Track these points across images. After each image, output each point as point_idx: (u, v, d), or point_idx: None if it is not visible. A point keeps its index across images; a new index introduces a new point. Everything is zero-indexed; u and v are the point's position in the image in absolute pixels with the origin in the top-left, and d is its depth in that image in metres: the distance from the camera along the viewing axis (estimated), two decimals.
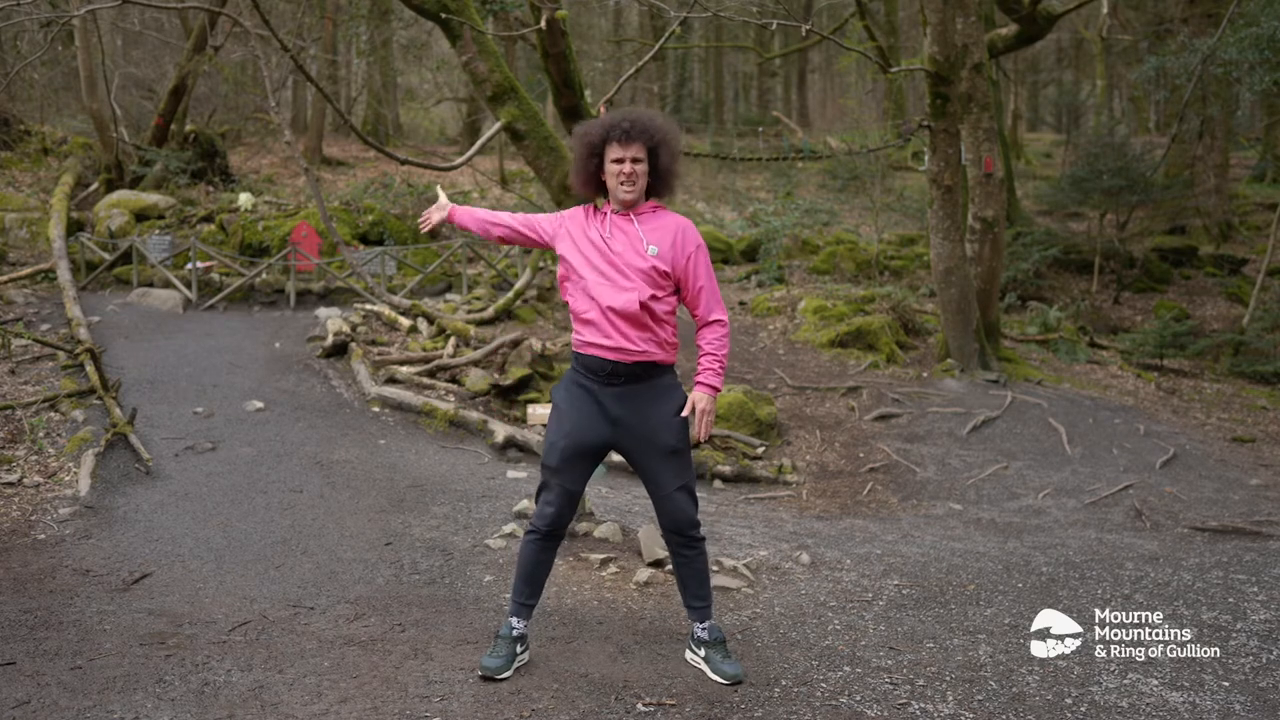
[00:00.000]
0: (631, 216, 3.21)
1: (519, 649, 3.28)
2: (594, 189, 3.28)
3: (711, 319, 3.24)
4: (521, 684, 3.17)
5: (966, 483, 7.09)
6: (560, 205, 8.69)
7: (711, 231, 18.20)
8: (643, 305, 3.11)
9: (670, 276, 3.17)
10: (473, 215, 3.48)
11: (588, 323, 3.17)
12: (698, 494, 3.36)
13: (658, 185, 3.25)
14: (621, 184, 3.16)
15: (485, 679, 3.18)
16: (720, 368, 3.21)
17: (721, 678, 3.21)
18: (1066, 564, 4.72)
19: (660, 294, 3.16)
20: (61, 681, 3.16)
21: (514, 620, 3.29)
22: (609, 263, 3.15)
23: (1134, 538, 5.58)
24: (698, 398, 3.20)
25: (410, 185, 18.45)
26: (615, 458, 5.49)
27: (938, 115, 9.63)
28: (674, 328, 3.25)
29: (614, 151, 3.16)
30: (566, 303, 3.29)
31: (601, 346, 3.15)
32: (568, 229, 3.28)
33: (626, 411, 3.18)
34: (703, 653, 3.31)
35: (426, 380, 8.51)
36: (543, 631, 3.66)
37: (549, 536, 3.26)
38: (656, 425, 3.19)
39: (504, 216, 3.45)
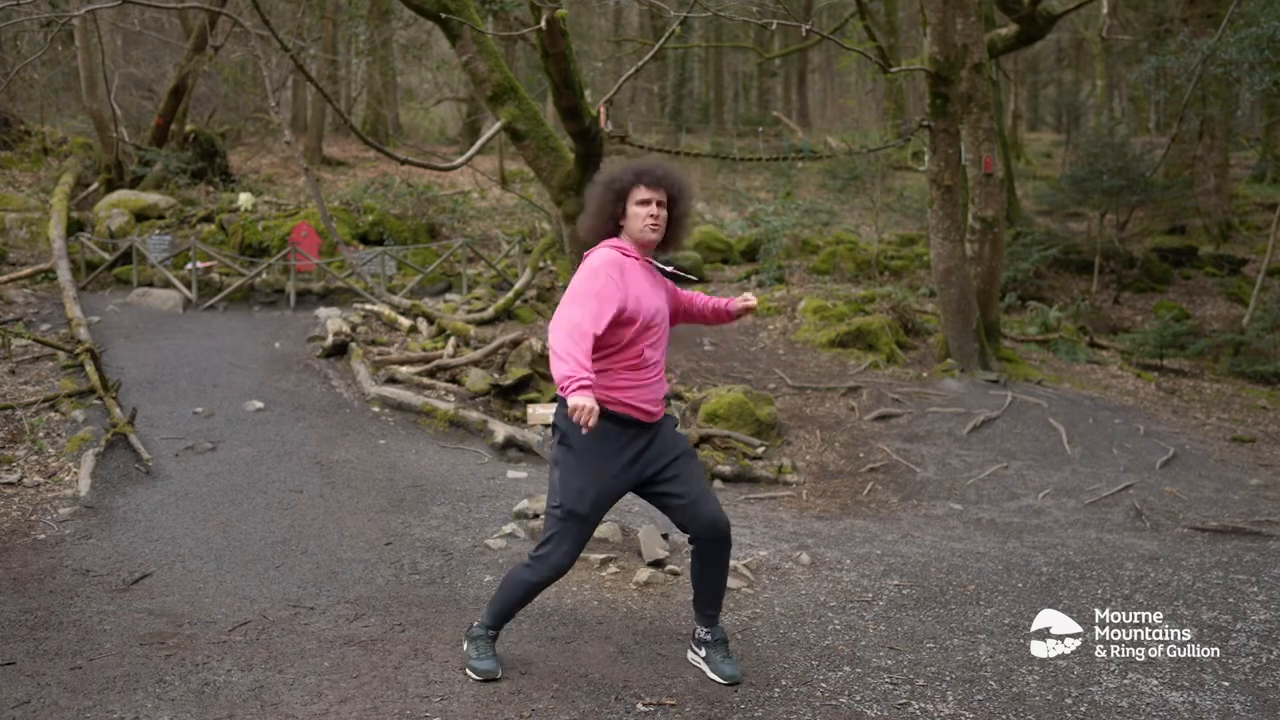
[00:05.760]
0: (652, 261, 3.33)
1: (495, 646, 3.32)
2: (606, 232, 3.22)
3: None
4: (521, 684, 3.16)
5: (966, 483, 7.09)
6: (560, 205, 8.69)
7: (712, 231, 18.20)
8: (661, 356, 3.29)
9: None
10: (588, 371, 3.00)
11: (647, 382, 3.14)
12: None
13: (672, 237, 3.28)
14: (649, 224, 3.16)
15: (487, 681, 3.17)
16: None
17: (720, 677, 3.21)
18: (1066, 564, 4.72)
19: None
20: (61, 681, 3.16)
21: (488, 625, 3.29)
22: (662, 314, 3.24)
23: (1134, 538, 5.58)
24: (742, 303, 3.49)
25: (410, 185, 18.45)
26: None
27: (938, 115, 9.63)
28: None
29: (641, 193, 3.17)
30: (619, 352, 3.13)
31: (646, 411, 3.15)
32: (625, 268, 3.13)
33: (647, 438, 3.19)
34: (704, 652, 3.31)
35: (426, 380, 8.51)
36: (543, 631, 3.66)
37: (554, 581, 3.23)
38: (671, 433, 3.25)
39: (588, 340, 2.98)
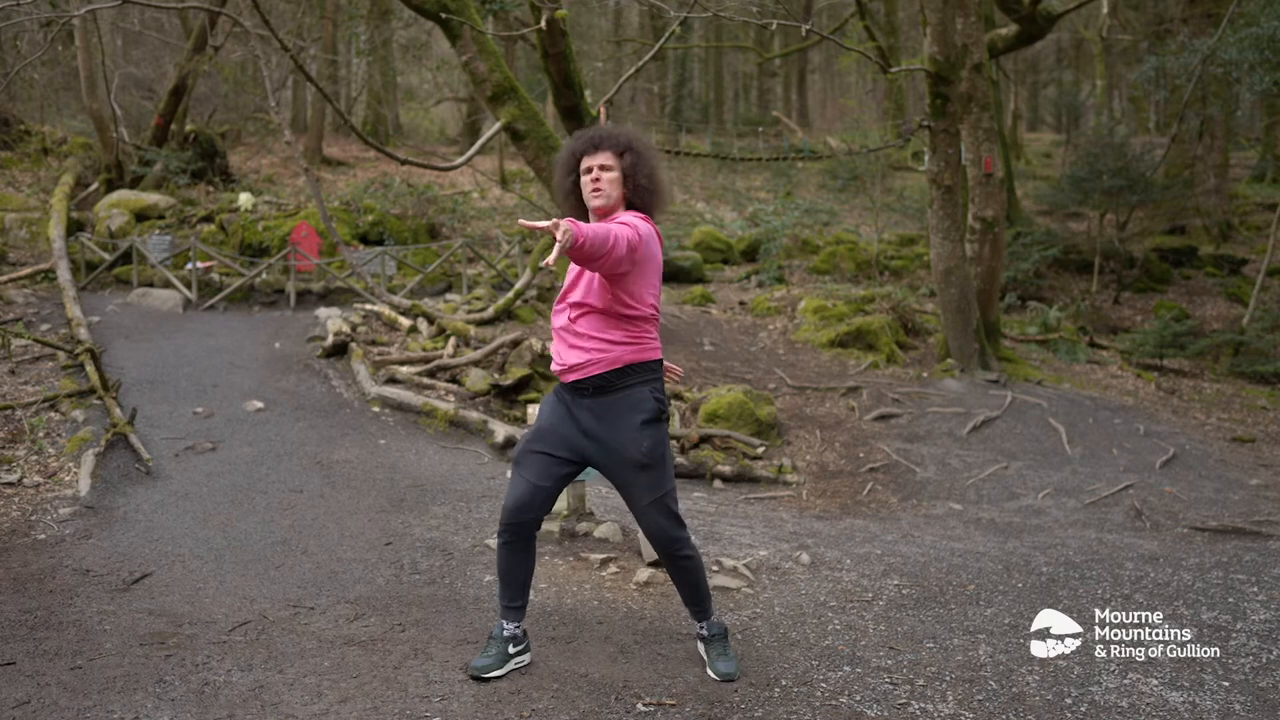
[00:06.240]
0: None
1: (511, 649, 3.24)
2: (571, 204, 3.28)
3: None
4: (521, 684, 3.16)
5: (966, 483, 7.09)
6: (560, 205, 8.68)
7: (711, 231, 18.21)
8: (571, 319, 3.10)
9: (598, 287, 3.04)
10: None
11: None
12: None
13: (634, 197, 3.18)
14: (592, 191, 3.15)
15: (474, 679, 3.15)
16: (591, 230, 2.76)
17: (714, 674, 3.22)
18: (1066, 564, 4.72)
19: (590, 298, 3.05)
20: (61, 681, 3.16)
21: (504, 623, 3.28)
22: (567, 282, 3.19)
23: (1134, 538, 5.58)
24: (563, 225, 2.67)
25: (410, 185, 18.45)
26: None
27: (938, 115, 9.63)
28: (618, 323, 3.07)
29: (583, 164, 3.19)
30: None
31: (559, 369, 3.18)
32: None
33: (595, 423, 3.13)
34: (703, 648, 3.33)
35: (426, 380, 8.51)
36: (543, 631, 3.66)
37: (513, 532, 3.18)
38: (623, 438, 3.10)
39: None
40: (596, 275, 3.04)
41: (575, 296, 3.12)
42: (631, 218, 3.10)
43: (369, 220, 16.31)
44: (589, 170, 3.17)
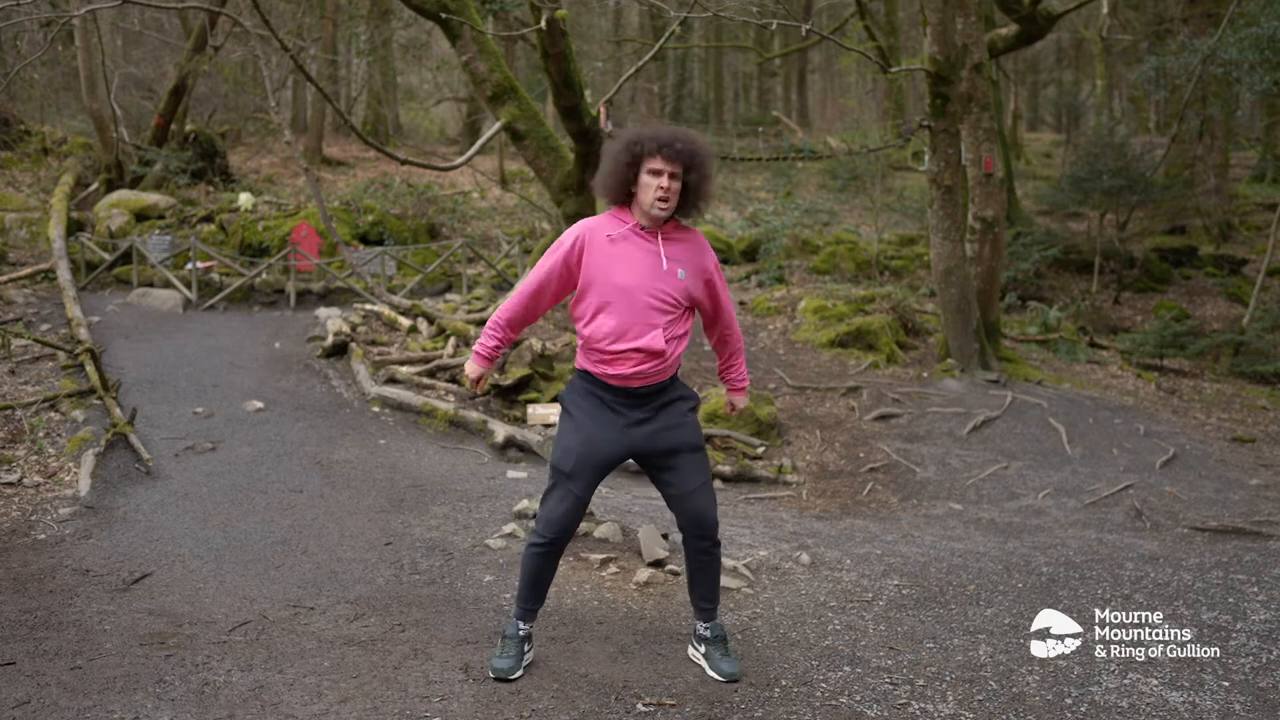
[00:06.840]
0: (659, 235, 3.14)
1: (526, 648, 3.30)
2: (618, 195, 3.16)
3: (735, 328, 3.42)
4: (521, 684, 3.16)
5: (966, 483, 7.09)
6: (560, 205, 8.67)
7: (712, 231, 18.20)
8: (666, 340, 3.11)
9: (691, 298, 3.19)
10: (483, 343, 3.30)
11: (614, 355, 3.10)
12: None
13: (687, 205, 3.16)
14: (659, 199, 3.06)
15: (499, 680, 3.18)
16: (744, 375, 3.52)
17: (719, 675, 3.22)
18: (1066, 564, 4.72)
19: (681, 321, 3.18)
20: (61, 681, 3.16)
21: (520, 623, 3.30)
22: (641, 288, 3.08)
23: (1134, 538, 5.58)
24: (737, 400, 3.52)
25: (410, 185, 18.45)
26: None
27: (938, 115, 9.63)
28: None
29: (656, 163, 3.06)
30: (574, 317, 3.20)
31: (623, 377, 3.12)
32: (588, 240, 3.14)
33: (645, 413, 3.17)
34: (703, 649, 3.32)
35: (426, 380, 8.51)
36: (543, 631, 3.66)
37: (554, 543, 3.21)
38: (678, 423, 3.19)
39: (502, 312, 3.29)
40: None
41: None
42: (704, 247, 3.23)
43: (369, 220, 16.31)
44: (659, 173, 3.06)
